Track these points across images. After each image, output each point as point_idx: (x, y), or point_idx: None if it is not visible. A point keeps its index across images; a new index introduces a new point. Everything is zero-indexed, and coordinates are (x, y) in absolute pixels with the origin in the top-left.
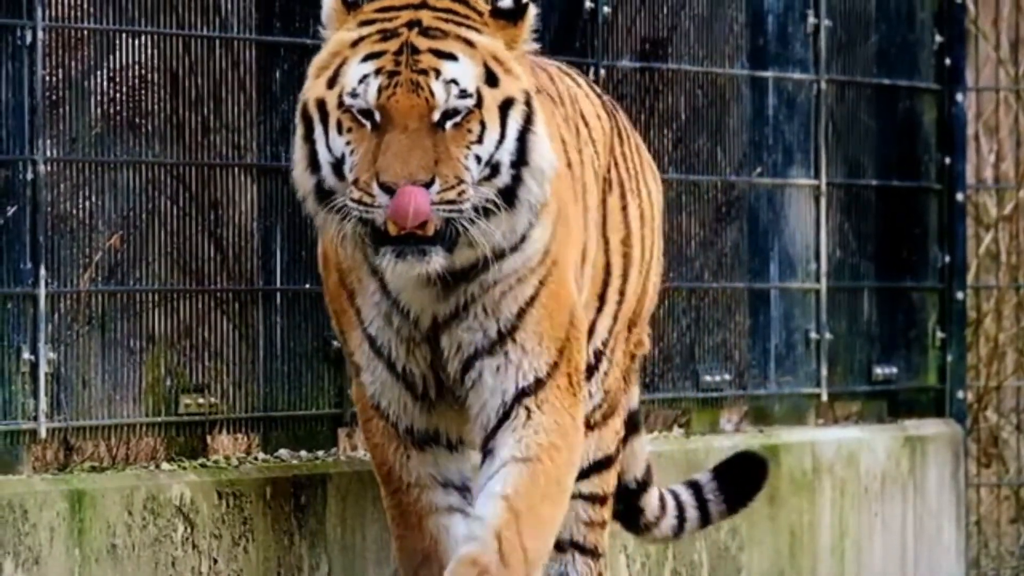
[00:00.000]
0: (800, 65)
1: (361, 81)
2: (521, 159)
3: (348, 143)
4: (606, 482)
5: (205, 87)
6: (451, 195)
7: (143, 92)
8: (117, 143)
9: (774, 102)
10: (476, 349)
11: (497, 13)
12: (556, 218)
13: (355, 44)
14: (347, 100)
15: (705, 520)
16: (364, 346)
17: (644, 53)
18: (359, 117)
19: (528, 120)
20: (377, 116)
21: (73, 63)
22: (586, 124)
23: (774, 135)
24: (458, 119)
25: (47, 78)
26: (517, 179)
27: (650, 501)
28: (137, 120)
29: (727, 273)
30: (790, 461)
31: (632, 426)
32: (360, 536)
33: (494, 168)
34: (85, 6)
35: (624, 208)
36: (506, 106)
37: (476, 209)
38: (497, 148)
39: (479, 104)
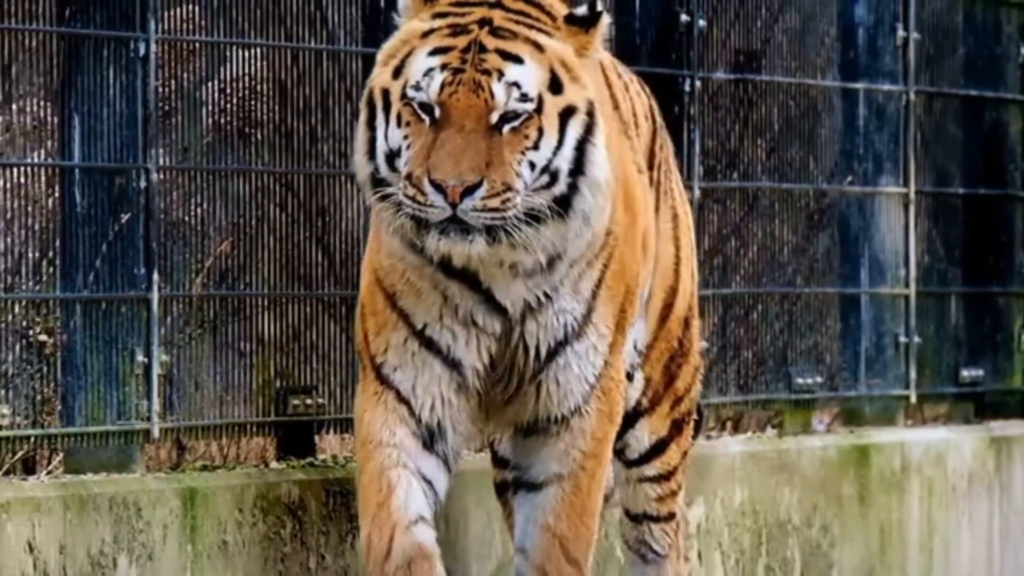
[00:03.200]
0: (890, 77)
1: (426, 74)
2: (578, 168)
3: (405, 136)
4: (667, 461)
5: (313, 97)
6: (494, 202)
7: (253, 103)
8: (227, 152)
9: (864, 113)
10: (566, 334)
11: (571, 19)
12: (616, 197)
13: (425, 35)
14: (410, 92)
15: None
16: (410, 344)
17: (738, 65)
18: (419, 111)
19: (588, 130)
20: (437, 112)
21: (185, 74)
22: (636, 126)
23: (864, 145)
24: (516, 123)
25: (160, 89)
26: (573, 188)
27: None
28: (247, 130)
29: (819, 278)
30: (880, 461)
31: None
32: (463, 532)
33: (552, 175)
34: (197, 19)
35: (656, 210)
36: (567, 114)
37: (526, 214)
38: (554, 155)
39: (539, 110)
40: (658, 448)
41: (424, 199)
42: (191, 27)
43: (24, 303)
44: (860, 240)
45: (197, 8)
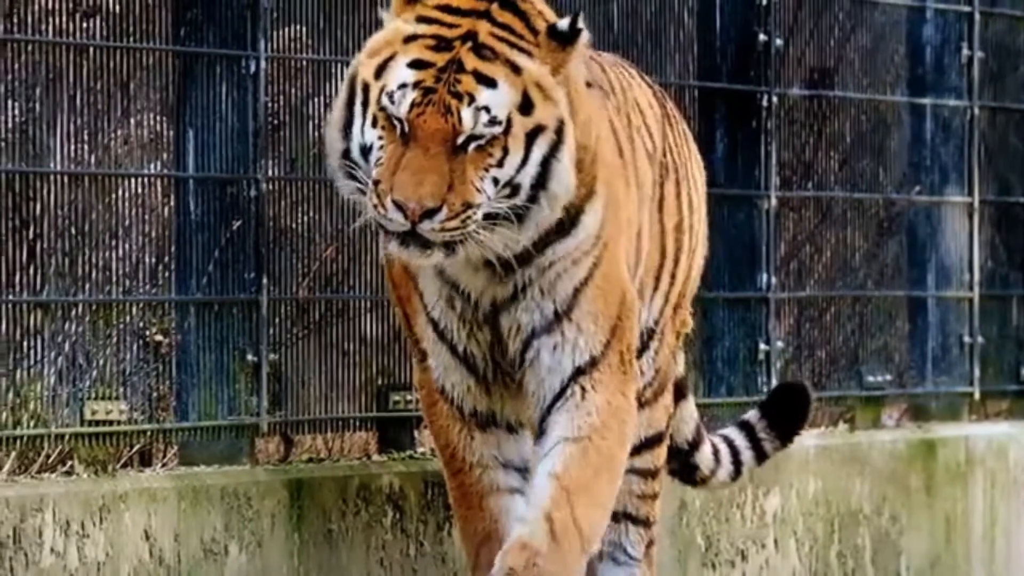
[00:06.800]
0: (955, 93)
1: (400, 87)
2: (541, 183)
3: (380, 138)
4: (657, 457)
5: None
6: (453, 223)
7: None
8: None
9: (931, 126)
10: (534, 328)
11: (552, 32)
12: (607, 203)
13: (408, 40)
14: (384, 100)
15: (761, 457)
16: (429, 330)
17: (813, 82)
18: (392, 121)
19: (555, 147)
20: (406, 127)
21: (293, 90)
22: (640, 112)
23: (931, 156)
24: (482, 142)
25: (269, 104)
26: (533, 199)
27: (703, 457)
28: None
29: (888, 282)
30: (946, 454)
31: (679, 393)
32: None
33: (514, 189)
34: (304, 38)
35: (678, 195)
36: (535, 133)
37: (486, 218)
38: (518, 172)
39: (507, 131)
40: (654, 441)
41: (385, 212)
42: (299, 46)
43: (141, 305)
44: (927, 246)
45: (304, 28)
